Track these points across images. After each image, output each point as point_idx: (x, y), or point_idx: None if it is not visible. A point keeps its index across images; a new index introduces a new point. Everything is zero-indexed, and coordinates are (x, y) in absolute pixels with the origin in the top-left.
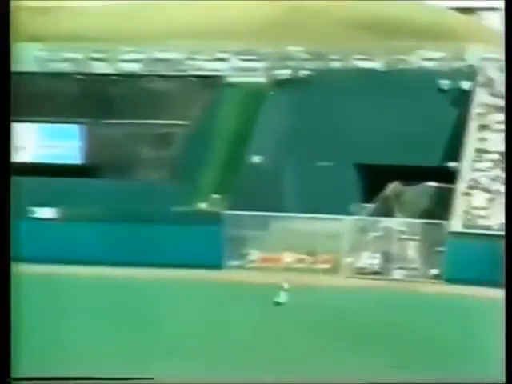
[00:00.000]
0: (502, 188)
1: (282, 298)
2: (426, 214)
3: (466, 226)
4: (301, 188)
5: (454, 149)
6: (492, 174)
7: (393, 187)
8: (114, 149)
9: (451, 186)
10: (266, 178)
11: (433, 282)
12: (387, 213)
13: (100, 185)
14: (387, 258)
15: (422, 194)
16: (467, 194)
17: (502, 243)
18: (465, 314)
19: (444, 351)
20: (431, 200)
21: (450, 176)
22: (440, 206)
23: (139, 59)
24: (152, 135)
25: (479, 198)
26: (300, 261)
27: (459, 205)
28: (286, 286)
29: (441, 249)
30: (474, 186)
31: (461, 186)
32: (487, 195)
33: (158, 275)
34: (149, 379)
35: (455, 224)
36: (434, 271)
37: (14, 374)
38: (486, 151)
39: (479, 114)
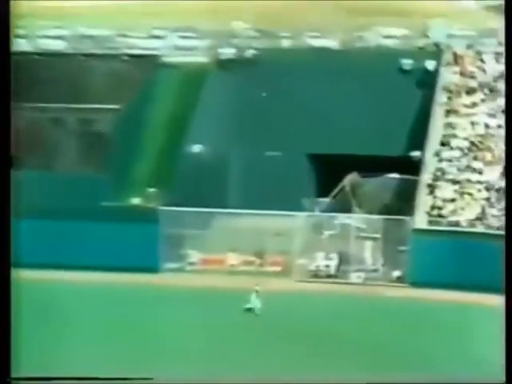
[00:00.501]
0: (473, 177)
1: (254, 303)
2: (388, 210)
3: (431, 222)
4: (247, 181)
5: (418, 136)
6: (460, 164)
7: (350, 179)
8: (35, 136)
9: (415, 177)
10: (207, 170)
11: (395, 286)
12: (344, 208)
13: (19, 177)
14: (344, 258)
15: (383, 187)
16: (433, 186)
17: (472, 241)
18: (431, 321)
19: (405, 360)
20: (393, 193)
21: (414, 167)
22: (403, 200)
23: (63, 36)
24: (79, 121)
25: (446, 191)
26: (246, 263)
27: (424, 198)
28: (257, 288)
29: (404, 248)
30: (440, 177)
31: (425, 177)
32: (455, 187)
33: (85, 279)
34: (149, 379)
35: (419, 220)
36: (397, 273)
37: (14, 374)
38: (454, 138)
39: (446, 96)
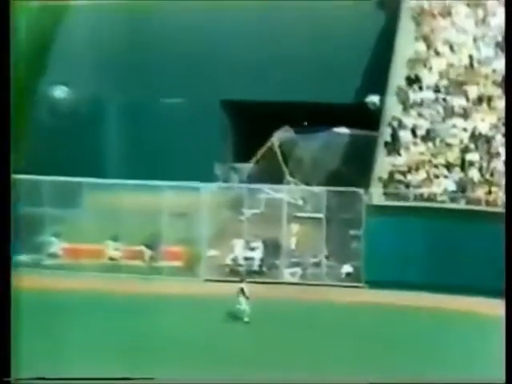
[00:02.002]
0: (452, 130)
1: (241, 307)
2: (333, 179)
3: (393, 196)
4: (132, 140)
5: (375, 75)
6: (434, 111)
7: (280, 137)
8: None
9: (371, 132)
10: (73, 125)
11: (345, 286)
12: (272, 177)
13: None
14: (273, 249)
15: (326, 147)
16: (396, 144)
17: (451, 223)
18: (394, 334)
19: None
20: (340, 156)
21: (369, 117)
22: (354, 166)
23: None
24: None
25: (414, 150)
26: (133, 255)
27: (383, 162)
28: (246, 291)
29: (356, 233)
30: (406, 130)
31: (386, 132)
32: (427, 145)
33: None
34: (149, 379)
35: (378, 194)
36: (347, 269)
37: (13, 374)
38: (426, 73)
39: (414, 20)
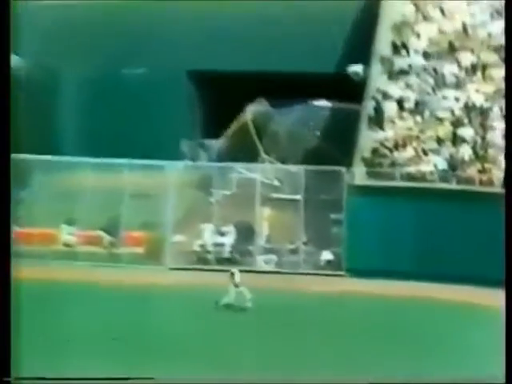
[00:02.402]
0: (444, 103)
1: (232, 297)
2: (313, 157)
3: (376, 175)
4: (90, 114)
5: (359, 42)
6: (423, 81)
7: (254, 111)
8: None
9: (353, 105)
10: (25, 98)
11: (325, 275)
12: (245, 155)
13: None
14: (246, 234)
15: (304, 122)
16: (380, 118)
17: (442, 205)
18: (380, 327)
19: None
20: (319, 131)
21: (352, 89)
22: (334, 142)
23: None
24: None
25: (401, 125)
26: (90, 240)
27: (367, 138)
28: (237, 277)
29: (337, 217)
30: (392, 101)
31: (369, 105)
32: (415, 118)
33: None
34: (149, 379)
35: (360, 172)
36: (328, 256)
37: (13, 374)
38: (414, 38)
39: None
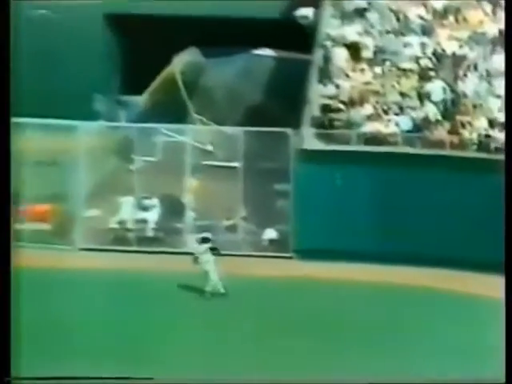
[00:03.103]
0: (409, 53)
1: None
2: (253, 116)
3: (329, 138)
4: None
5: None
6: (381, 27)
7: (183, 62)
8: None
9: (300, 55)
10: None
11: (268, 257)
12: (172, 114)
13: None
14: (173, 207)
15: (244, 75)
16: (330, 71)
17: (408, 174)
18: (335, 319)
19: None
20: (262, 86)
21: (299, 36)
22: (279, 99)
23: None
24: None
25: (356, 80)
26: None
27: (316, 95)
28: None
29: (282, 187)
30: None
31: (319, 54)
32: (375, 70)
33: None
34: (149, 379)
35: (310, 135)
36: (271, 234)
37: (13, 374)
38: None
39: None
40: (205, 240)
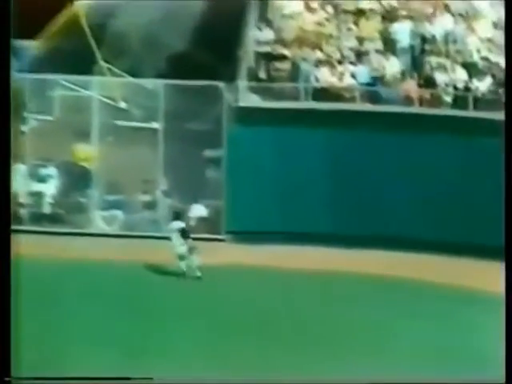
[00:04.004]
0: None
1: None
2: (177, 66)
3: (270, 93)
4: None
5: None
6: None
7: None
8: None
9: None
10: None
11: (197, 239)
12: (75, 63)
13: None
14: (76, 179)
15: (165, 17)
16: (269, 9)
17: (371, 135)
18: (276, 313)
19: None
20: (188, 30)
21: None
22: (208, 45)
23: None
24: None
25: (304, 20)
26: None
27: (253, 40)
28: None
29: (214, 153)
30: None
31: None
32: (325, 10)
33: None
34: (149, 379)
35: (246, 89)
36: (199, 211)
37: (14, 374)
38: None
39: None
40: (177, 216)
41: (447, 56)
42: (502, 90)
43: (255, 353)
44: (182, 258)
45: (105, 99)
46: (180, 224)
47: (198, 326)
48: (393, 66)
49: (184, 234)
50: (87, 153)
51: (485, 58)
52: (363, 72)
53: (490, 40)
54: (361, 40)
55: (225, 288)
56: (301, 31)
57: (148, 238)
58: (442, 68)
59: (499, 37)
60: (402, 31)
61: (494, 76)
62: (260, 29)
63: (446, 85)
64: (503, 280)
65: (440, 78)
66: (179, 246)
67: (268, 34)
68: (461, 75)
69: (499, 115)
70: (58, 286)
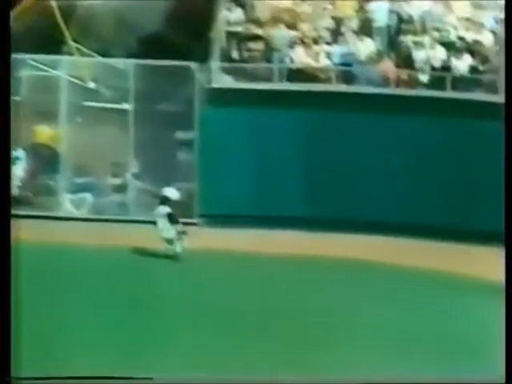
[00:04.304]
0: None
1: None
2: (149, 46)
3: (243, 74)
4: None
5: None
6: None
7: None
8: None
9: None
10: None
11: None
12: (43, 42)
13: None
14: (44, 160)
15: None
16: None
17: (348, 117)
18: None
19: None
20: (160, 8)
21: None
22: (181, 24)
23: None
24: None
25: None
26: None
27: (225, 18)
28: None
29: (186, 135)
30: None
31: None
32: None
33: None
34: (149, 379)
35: (219, 70)
36: (171, 194)
37: (14, 374)
38: None
39: None
40: (164, 201)
41: (424, 35)
42: (483, 68)
43: (229, 338)
44: (169, 242)
45: (74, 79)
46: (167, 209)
47: (174, 312)
48: (369, 47)
49: (172, 218)
50: (51, 133)
51: (462, 38)
52: (339, 52)
53: (468, 19)
54: (337, 20)
55: (197, 272)
56: (275, 10)
57: (130, 223)
58: (420, 48)
59: (478, 16)
60: (379, 10)
61: (472, 55)
62: (230, 9)
63: (424, 64)
64: (481, 264)
65: (417, 57)
66: (167, 230)
67: (239, 14)
68: (439, 55)
69: (478, 95)
70: (41, 272)
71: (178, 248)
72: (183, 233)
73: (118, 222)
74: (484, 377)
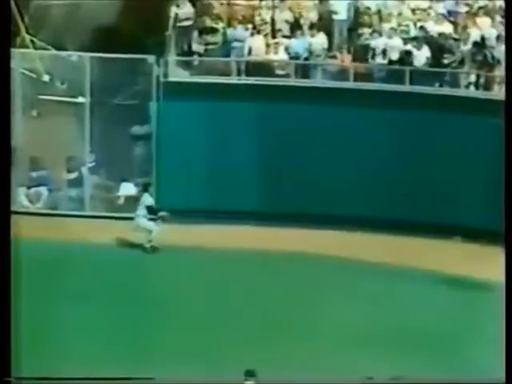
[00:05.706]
0: None
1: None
2: (104, 39)
3: (201, 68)
4: None
5: None
6: None
7: None
8: None
9: None
10: None
11: (124, 218)
12: None
13: None
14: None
15: None
16: None
17: (309, 112)
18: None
19: None
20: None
21: None
22: (138, 15)
23: None
24: None
25: None
26: None
27: (179, 13)
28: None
29: (143, 129)
30: None
31: None
32: None
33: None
34: (149, 379)
35: (176, 64)
36: (128, 190)
37: (14, 374)
38: None
39: None
40: (145, 188)
41: (382, 27)
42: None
43: (188, 334)
44: (148, 233)
45: (27, 72)
46: (150, 200)
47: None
48: (327, 40)
49: (151, 210)
50: (9, 128)
51: (421, 28)
52: (297, 45)
53: (425, 10)
54: (295, 12)
55: (154, 268)
56: (232, 3)
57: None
58: (377, 40)
59: (435, 6)
60: (337, 3)
61: (430, 46)
62: (178, 6)
63: (383, 56)
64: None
65: (375, 50)
66: (146, 221)
67: (189, 9)
68: (397, 46)
69: (436, 89)
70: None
71: (152, 240)
72: (162, 218)
73: (75, 216)
74: (482, 376)
